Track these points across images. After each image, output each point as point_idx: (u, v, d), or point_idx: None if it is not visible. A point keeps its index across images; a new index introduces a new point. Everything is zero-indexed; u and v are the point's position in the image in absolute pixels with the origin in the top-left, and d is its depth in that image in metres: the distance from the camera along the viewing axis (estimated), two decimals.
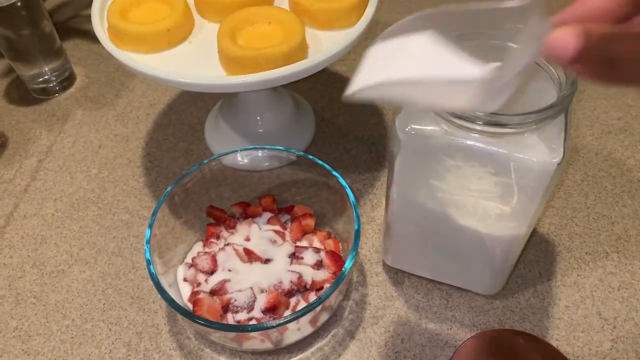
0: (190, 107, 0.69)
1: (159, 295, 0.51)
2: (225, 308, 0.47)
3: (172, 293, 0.44)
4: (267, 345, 0.46)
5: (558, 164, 0.35)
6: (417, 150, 0.38)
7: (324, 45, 0.48)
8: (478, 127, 0.35)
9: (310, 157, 0.51)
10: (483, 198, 0.39)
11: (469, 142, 0.36)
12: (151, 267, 0.44)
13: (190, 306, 0.47)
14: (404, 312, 0.49)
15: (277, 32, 0.47)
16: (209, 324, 0.42)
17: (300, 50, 0.45)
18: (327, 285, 0.48)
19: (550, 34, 0.22)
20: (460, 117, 0.35)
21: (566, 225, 0.55)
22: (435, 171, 0.39)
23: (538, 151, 0.35)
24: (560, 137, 0.35)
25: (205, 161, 0.51)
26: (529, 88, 0.40)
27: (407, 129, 0.37)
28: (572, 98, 0.35)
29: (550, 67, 0.38)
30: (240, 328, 0.43)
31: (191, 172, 0.50)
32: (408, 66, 0.25)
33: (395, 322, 0.48)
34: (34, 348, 0.48)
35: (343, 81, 0.71)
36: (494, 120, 0.34)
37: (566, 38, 0.21)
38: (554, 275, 0.51)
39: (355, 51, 0.51)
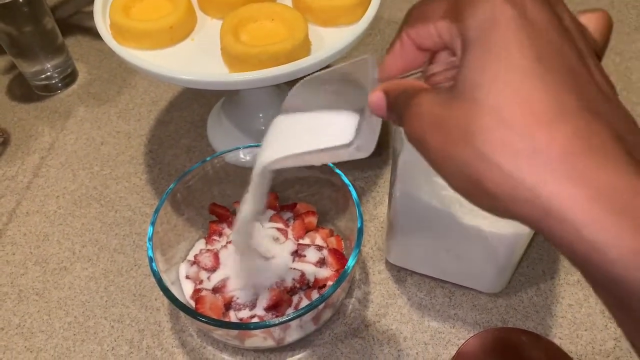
0: (192, 104, 0.69)
1: (161, 293, 0.51)
2: (228, 306, 0.47)
3: (174, 290, 0.44)
4: (270, 342, 0.46)
5: None
6: None
7: (327, 42, 0.48)
8: None
9: None
10: None
11: None
12: (153, 264, 0.44)
13: (192, 303, 0.47)
14: (407, 310, 0.49)
15: (280, 29, 0.46)
16: (211, 321, 0.42)
17: (303, 47, 0.45)
18: (329, 283, 0.47)
19: (370, 94, 0.25)
20: None
21: None
22: None
23: None
24: None
25: (208, 158, 0.51)
26: None
27: None
28: None
29: None
30: (243, 326, 0.43)
31: (193, 169, 0.50)
32: (301, 138, 0.31)
33: (397, 320, 0.48)
34: (36, 345, 0.48)
35: None
36: None
37: (378, 100, 0.25)
38: (557, 273, 0.51)
39: (359, 48, 0.50)
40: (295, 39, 0.44)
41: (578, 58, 0.19)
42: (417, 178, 0.41)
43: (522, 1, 0.19)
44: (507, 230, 0.41)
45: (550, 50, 0.19)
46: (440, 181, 0.40)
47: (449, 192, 0.40)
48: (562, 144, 0.18)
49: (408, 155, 0.39)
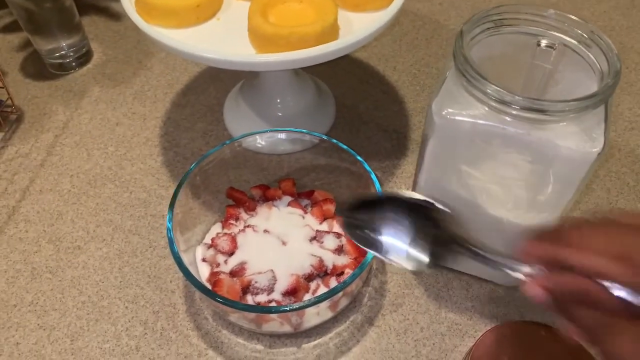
0: (209, 88, 0.68)
1: (176, 275, 0.51)
2: (245, 289, 0.47)
3: (191, 271, 0.44)
4: (286, 328, 0.46)
5: (598, 154, 0.34)
6: (451, 135, 0.38)
7: (355, 26, 0.47)
8: (518, 113, 0.34)
9: (334, 140, 0.50)
10: (517, 186, 0.38)
11: (508, 129, 0.35)
12: (174, 245, 0.44)
13: (208, 286, 0.47)
14: (424, 301, 0.49)
15: (308, 11, 0.46)
16: (230, 303, 0.41)
17: (332, 31, 0.45)
18: (347, 271, 0.47)
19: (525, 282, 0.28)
20: (500, 102, 0.34)
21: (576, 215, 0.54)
22: (469, 157, 0.39)
23: (579, 140, 0.34)
24: (601, 127, 0.35)
25: (227, 142, 0.50)
26: (564, 78, 0.40)
27: (443, 113, 0.37)
28: (615, 87, 0.34)
29: (591, 56, 0.37)
30: (263, 309, 0.43)
31: (212, 152, 0.50)
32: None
33: (414, 311, 0.48)
34: (49, 323, 0.48)
35: (364, 68, 0.70)
36: (536, 106, 0.33)
37: (540, 296, 0.26)
38: None
39: (379, 38, 0.50)
40: (325, 22, 0.43)
41: None
42: (446, 166, 0.40)
43: None
44: (533, 222, 0.40)
45: None
46: (468, 170, 0.40)
47: (477, 182, 0.40)
48: None
49: (438, 143, 0.39)
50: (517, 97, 0.33)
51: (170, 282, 0.51)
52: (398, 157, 0.60)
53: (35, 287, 0.50)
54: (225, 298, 0.42)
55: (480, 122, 0.36)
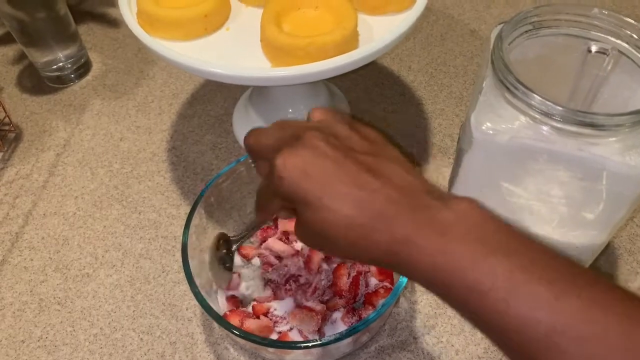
0: (215, 97, 0.65)
1: (192, 302, 0.48)
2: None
3: (209, 300, 0.41)
4: (310, 358, 0.43)
5: None
6: (492, 151, 0.34)
7: (375, 32, 0.44)
8: (567, 127, 0.31)
9: None
10: (563, 204, 0.35)
11: (556, 144, 0.32)
12: (190, 274, 0.41)
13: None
14: (458, 321, 0.46)
15: (326, 18, 0.42)
16: (246, 336, 0.38)
17: (353, 39, 0.41)
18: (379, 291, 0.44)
19: None
20: (547, 115, 0.31)
21: (625, 225, 0.51)
22: (511, 174, 0.35)
23: (637, 155, 0.31)
24: None
25: (242, 159, 0.47)
26: (607, 82, 0.37)
27: (483, 128, 0.33)
28: None
29: None
30: (279, 345, 0.40)
31: (226, 170, 0.47)
32: None
33: (448, 332, 0.45)
34: (60, 359, 0.45)
35: (377, 69, 0.67)
36: (589, 121, 0.30)
37: None
38: (616, 280, 0.47)
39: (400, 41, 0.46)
40: (345, 29, 0.40)
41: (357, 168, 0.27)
42: (484, 182, 0.37)
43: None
44: (580, 240, 0.37)
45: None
46: (509, 187, 0.37)
47: (519, 200, 0.37)
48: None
49: (477, 158, 0.36)
50: (568, 110, 0.30)
51: (187, 309, 0.48)
52: (419, 164, 0.57)
53: (43, 320, 0.48)
54: (243, 331, 0.39)
55: (524, 137, 0.33)
